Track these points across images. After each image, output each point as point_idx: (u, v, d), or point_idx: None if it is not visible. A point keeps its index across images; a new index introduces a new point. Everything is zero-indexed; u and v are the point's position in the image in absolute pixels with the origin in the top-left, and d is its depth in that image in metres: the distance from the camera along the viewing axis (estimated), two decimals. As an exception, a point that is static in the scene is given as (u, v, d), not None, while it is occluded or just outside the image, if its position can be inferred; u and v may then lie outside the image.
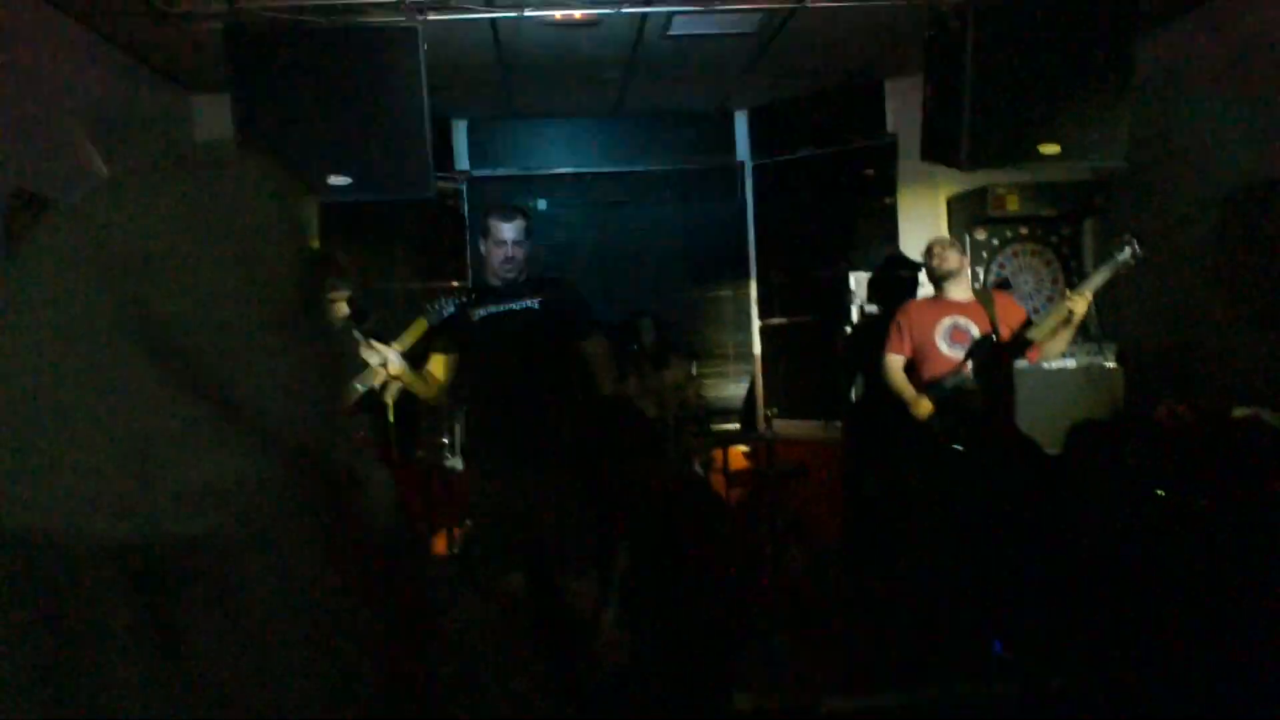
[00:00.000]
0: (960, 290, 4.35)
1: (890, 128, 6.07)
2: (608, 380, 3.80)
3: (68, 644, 0.60)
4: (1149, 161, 4.67)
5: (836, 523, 5.62)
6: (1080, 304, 4.04)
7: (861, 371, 5.32)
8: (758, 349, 6.64)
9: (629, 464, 4.36)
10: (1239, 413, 3.72)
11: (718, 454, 5.47)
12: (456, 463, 5.09)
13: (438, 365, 3.82)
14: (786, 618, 4.55)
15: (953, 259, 4.35)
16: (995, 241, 5.62)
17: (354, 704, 0.67)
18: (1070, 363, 5.09)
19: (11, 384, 0.64)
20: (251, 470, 0.65)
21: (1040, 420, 4.90)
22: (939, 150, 4.14)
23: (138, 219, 0.71)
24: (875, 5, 4.24)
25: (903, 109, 5.93)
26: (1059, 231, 5.64)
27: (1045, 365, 5.07)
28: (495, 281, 3.75)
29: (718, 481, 5.62)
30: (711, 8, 4.34)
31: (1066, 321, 4.13)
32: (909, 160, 5.88)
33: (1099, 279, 4.12)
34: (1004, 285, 5.62)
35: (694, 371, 5.03)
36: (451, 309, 3.86)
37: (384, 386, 3.90)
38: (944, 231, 5.94)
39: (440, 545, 5.41)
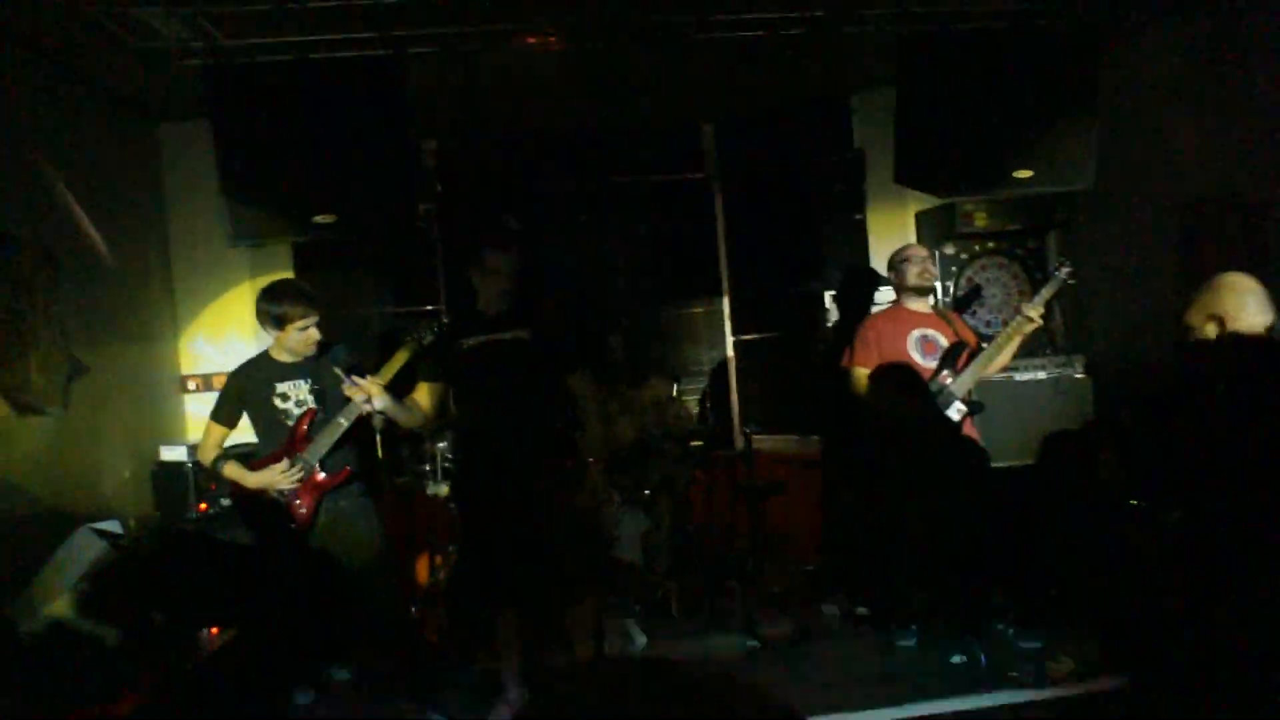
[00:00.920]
0: (924, 303, 4.43)
1: (857, 143, 6.17)
2: (593, 415, 3.82)
3: None
4: (1110, 175, 4.80)
5: (815, 538, 5.69)
6: (1035, 316, 4.20)
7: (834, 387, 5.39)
8: (732, 364, 6.70)
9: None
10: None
11: (698, 472, 5.51)
12: (439, 489, 5.09)
13: (423, 394, 3.82)
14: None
15: (934, 272, 4.41)
16: (964, 256, 5.73)
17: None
18: (1040, 374, 5.22)
19: None
20: None
21: (1011, 431, 5.01)
22: (914, 175, 4.23)
23: None
24: (840, 22, 4.29)
25: (869, 124, 6.03)
26: (1024, 244, 5.77)
27: (1016, 377, 5.19)
28: (486, 310, 3.74)
29: (696, 498, 5.66)
30: (684, 31, 4.37)
31: (1018, 333, 4.28)
32: (877, 175, 5.98)
33: (1047, 293, 4.33)
34: (976, 292, 5.73)
35: (675, 392, 5.06)
36: (431, 337, 3.88)
37: (369, 416, 3.90)
38: (913, 246, 6.05)
39: (422, 571, 5.41)
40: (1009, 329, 4.34)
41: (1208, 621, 3.38)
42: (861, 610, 4.77)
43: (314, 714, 4.23)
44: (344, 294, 6.04)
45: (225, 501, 4.22)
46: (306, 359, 3.82)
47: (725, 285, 6.74)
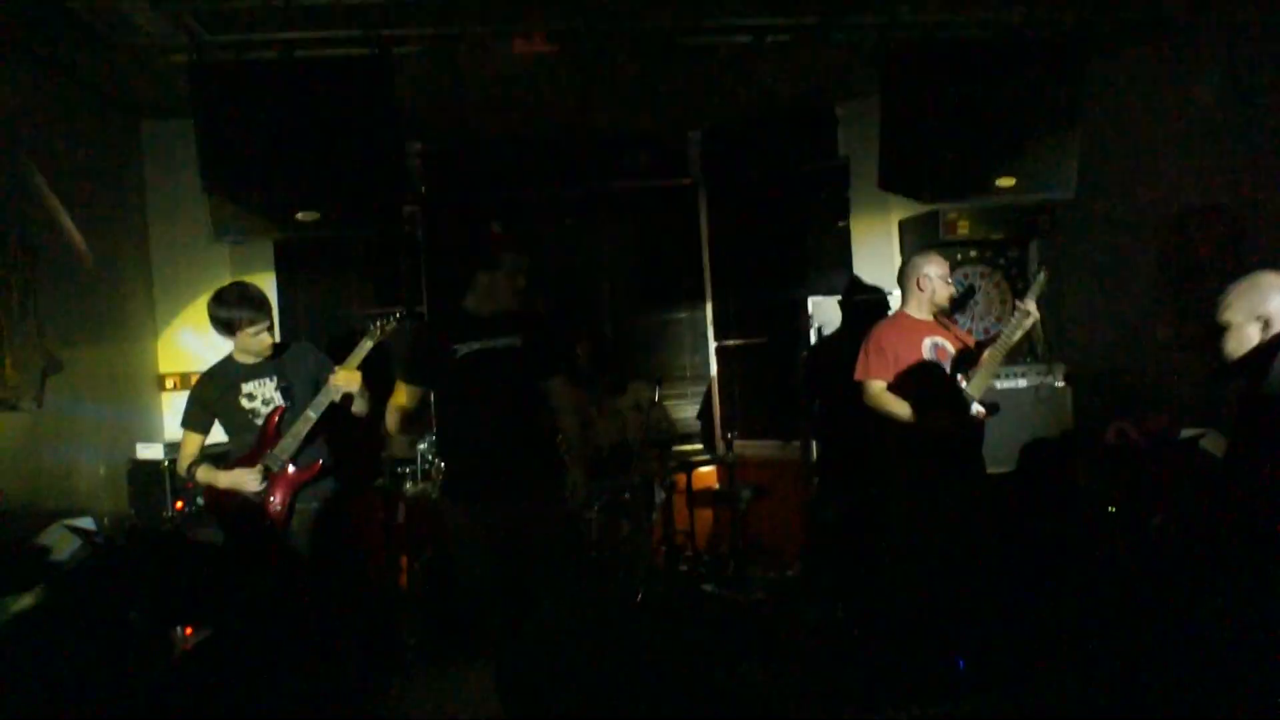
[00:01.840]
0: (926, 312, 4.42)
1: (842, 151, 6.20)
2: (571, 419, 3.81)
3: None
4: (1091, 186, 4.84)
5: (797, 543, 5.70)
6: (1034, 309, 4.16)
7: (820, 394, 5.41)
8: (714, 370, 6.71)
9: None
10: (1187, 433, 3.87)
11: (680, 477, 5.52)
12: (418, 489, 5.07)
13: (401, 395, 3.79)
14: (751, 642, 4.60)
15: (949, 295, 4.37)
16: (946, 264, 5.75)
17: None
18: (1021, 382, 5.24)
19: None
20: None
21: (991, 439, 5.03)
22: (898, 182, 4.25)
23: None
24: (827, 30, 4.30)
25: (854, 133, 6.07)
26: (1006, 254, 5.81)
27: (997, 385, 5.21)
28: (479, 312, 3.70)
29: (680, 503, 5.67)
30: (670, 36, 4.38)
31: (1019, 327, 4.24)
32: (861, 183, 6.01)
33: (1037, 290, 4.30)
34: (970, 292, 5.73)
35: (656, 396, 5.06)
36: (393, 326, 3.90)
37: (345, 405, 3.87)
38: (896, 254, 6.07)
39: (401, 575, 5.38)
40: (1012, 325, 4.29)
41: (1190, 628, 3.40)
42: (842, 615, 4.78)
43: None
44: (326, 294, 6.02)
45: (202, 500, 4.19)
46: (270, 357, 3.82)
47: (708, 291, 6.76)
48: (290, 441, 3.75)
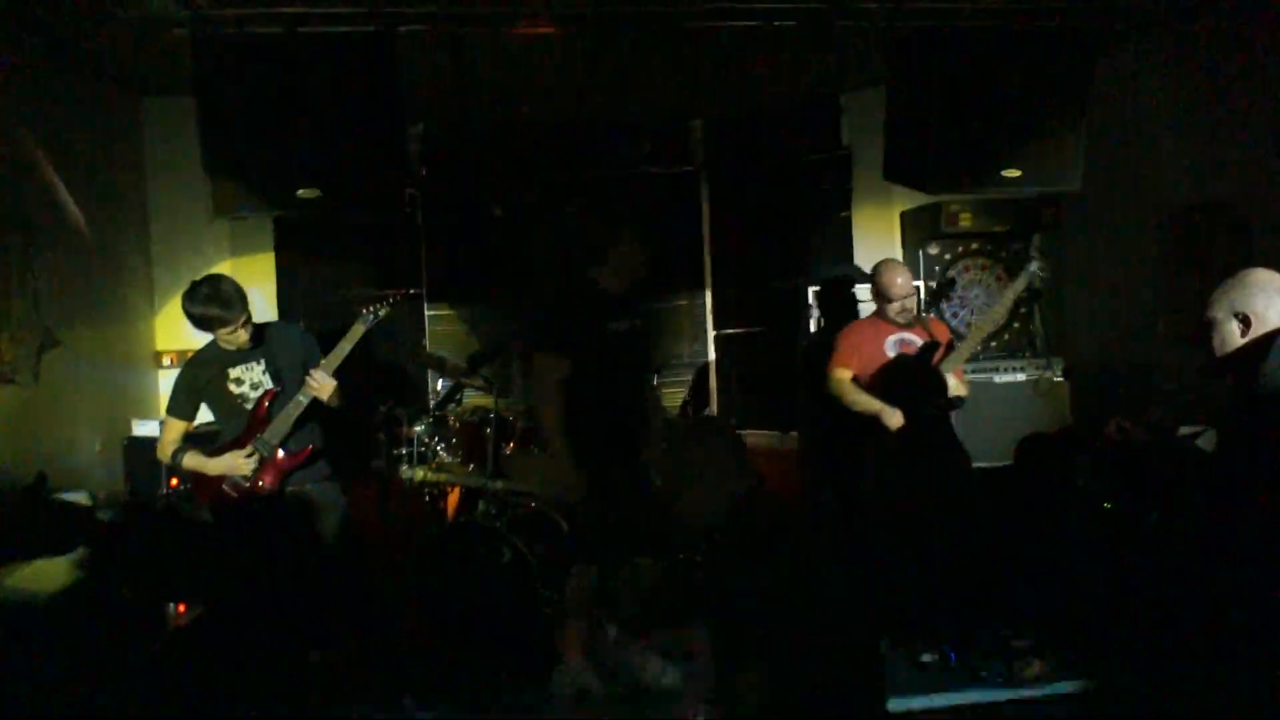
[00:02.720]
0: (903, 316, 4.44)
1: (845, 141, 6.18)
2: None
3: None
4: (1095, 181, 4.82)
5: (793, 531, 5.69)
6: (1001, 311, 4.28)
7: (807, 385, 5.40)
8: (712, 358, 6.70)
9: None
10: (1184, 431, 3.86)
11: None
12: (414, 473, 5.05)
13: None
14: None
15: (913, 310, 4.39)
16: (947, 256, 5.74)
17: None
18: (1019, 376, 5.24)
19: None
20: None
21: (989, 432, 5.03)
22: (902, 172, 4.23)
23: None
24: (832, 17, 4.28)
25: (858, 123, 6.05)
26: (1009, 247, 5.79)
27: (995, 379, 5.21)
28: (611, 292, 3.82)
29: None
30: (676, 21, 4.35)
31: (981, 329, 4.30)
32: (864, 174, 5.99)
33: (1020, 285, 4.28)
34: (950, 285, 5.73)
35: (655, 382, 5.04)
36: (386, 311, 3.87)
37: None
38: (898, 246, 6.06)
39: (394, 557, 5.37)
40: (976, 324, 4.37)
41: (1182, 622, 3.40)
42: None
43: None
44: (325, 273, 5.99)
45: (189, 485, 4.17)
46: (256, 342, 3.77)
47: (709, 279, 6.74)
48: (281, 425, 3.72)
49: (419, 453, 5.09)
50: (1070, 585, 4.61)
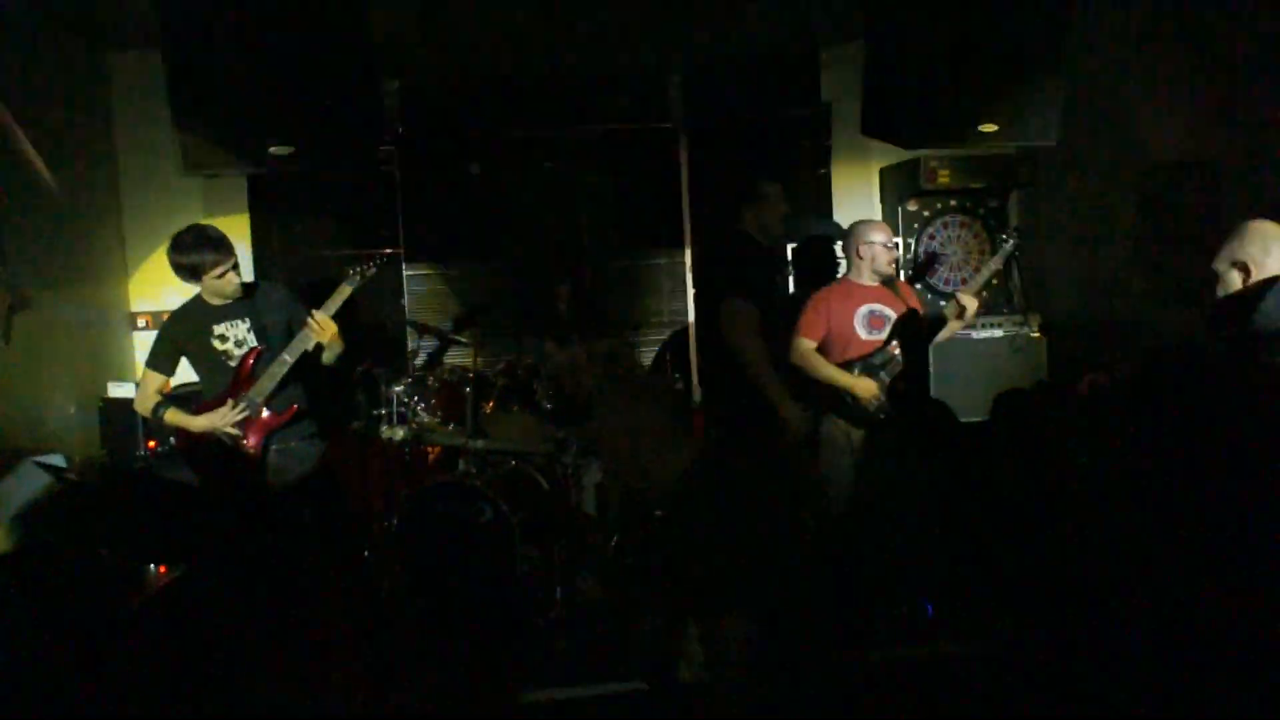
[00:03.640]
0: (866, 278, 4.45)
1: (825, 97, 6.14)
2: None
3: None
4: (1072, 137, 4.82)
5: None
6: (971, 303, 4.29)
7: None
8: (691, 317, 6.69)
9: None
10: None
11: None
12: (394, 433, 5.05)
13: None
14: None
15: (891, 264, 4.42)
16: (926, 213, 5.75)
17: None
18: (997, 332, 5.27)
19: None
20: None
21: (966, 388, 5.07)
22: (880, 126, 4.21)
23: None
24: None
25: (837, 79, 6.01)
26: (986, 204, 5.81)
27: (973, 335, 5.24)
28: (763, 239, 4.30)
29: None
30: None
31: (959, 317, 4.35)
32: (842, 131, 5.97)
33: (990, 269, 4.46)
34: (932, 259, 5.76)
35: (631, 340, 5.05)
36: (373, 272, 3.87)
37: (316, 353, 3.84)
38: (877, 203, 6.06)
39: (376, 517, 5.39)
40: (945, 309, 4.41)
41: (1156, 577, 3.45)
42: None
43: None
44: (300, 232, 5.93)
45: (175, 440, 4.15)
46: (241, 299, 3.76)
47: (688, 237, 6.71)
48: (266, 383, 3.72)
49: (398, 412, 5.09)
50: (1041, 541, 4.69)
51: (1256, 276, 2.57)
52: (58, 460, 3.65)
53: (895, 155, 5.67)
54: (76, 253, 4.72)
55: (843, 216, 5.98)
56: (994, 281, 5.64)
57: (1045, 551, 4.74)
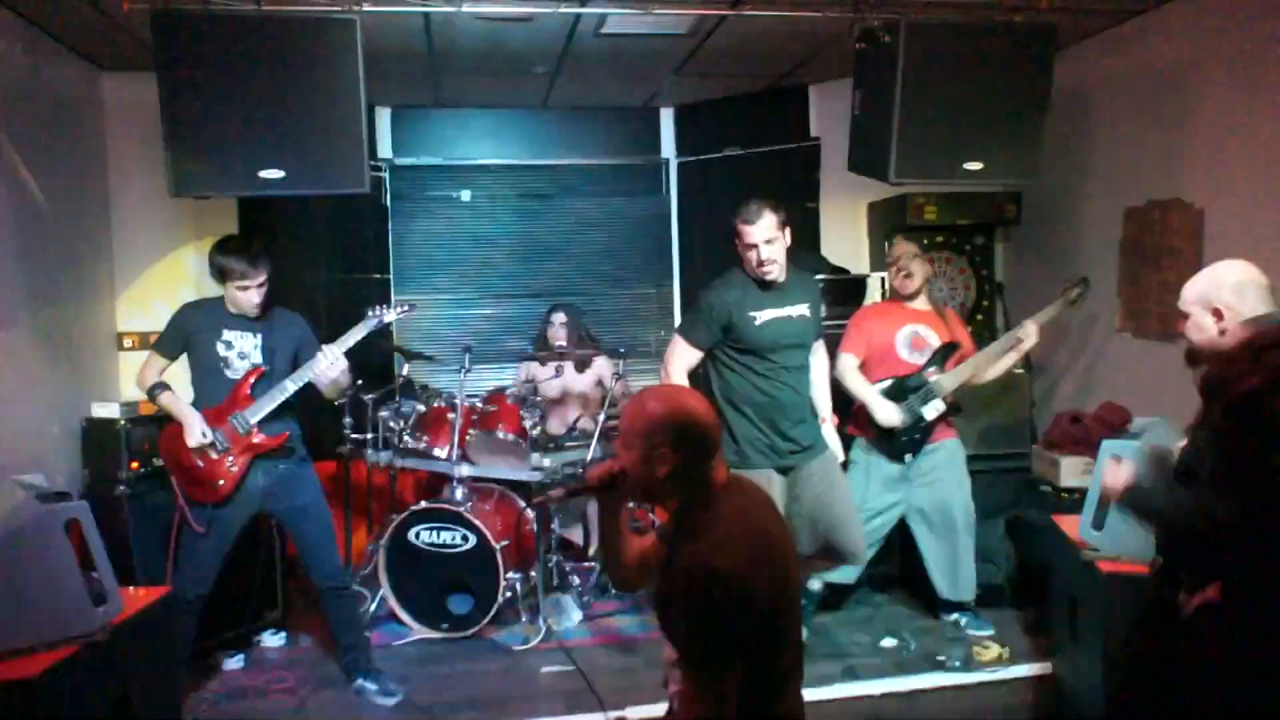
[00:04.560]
0: (921, 300, 4.49)
1: (814, 132, 6.21)
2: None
3: None
4: (1057, 176, 4.89)
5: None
6: (1033, 333, 4.33)
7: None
8: (680, 347, 6.71)
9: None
10: (1139, 421, 3.93)
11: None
12: (379, 457, 5.04)
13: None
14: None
15: (915, 280, 4.44)
16: (913, 248, 5.79)
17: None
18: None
19: None
20: None
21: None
22: (866, 163, 4.27)
23: None
24: (802, 14, 4.30)
25: (827, 114, 6.08)
26: (972, 240, 5.86)
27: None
28: (761, 278, 3.82)
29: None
30: (647, 10, 4.34)
31: (1014, 348, 4.39)
32: (831, 165, 6.02)
33: (1051, 313, 4.48)
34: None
35: (620, 369, 5.06)
36: (393, 317, 3.95)
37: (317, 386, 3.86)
38: (864, 237, 6.11)
39: (360, 539, 5.36)
40: (1003, 341, 4.45)
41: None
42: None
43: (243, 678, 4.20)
44: (289, 256, 5.93)
45: (159, 461, 4.14)
46: (258, 318, 3.80)
47: (677, 268, 6.76)
48: (263, 405, 3.73)
49: (384, 437, 5.08)
50: (1028, 572, 4.70)
51: (1230, 320, 2.58)
52: (39, 479, 3.62)
53: (883, 190, 5.70)
54: (64, 271, 4.71)
55: (830, 250, 6.03)
56: (985, 302, 5.70)
57: (1026, 582, 4.75)
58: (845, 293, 5.38)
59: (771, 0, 4.20)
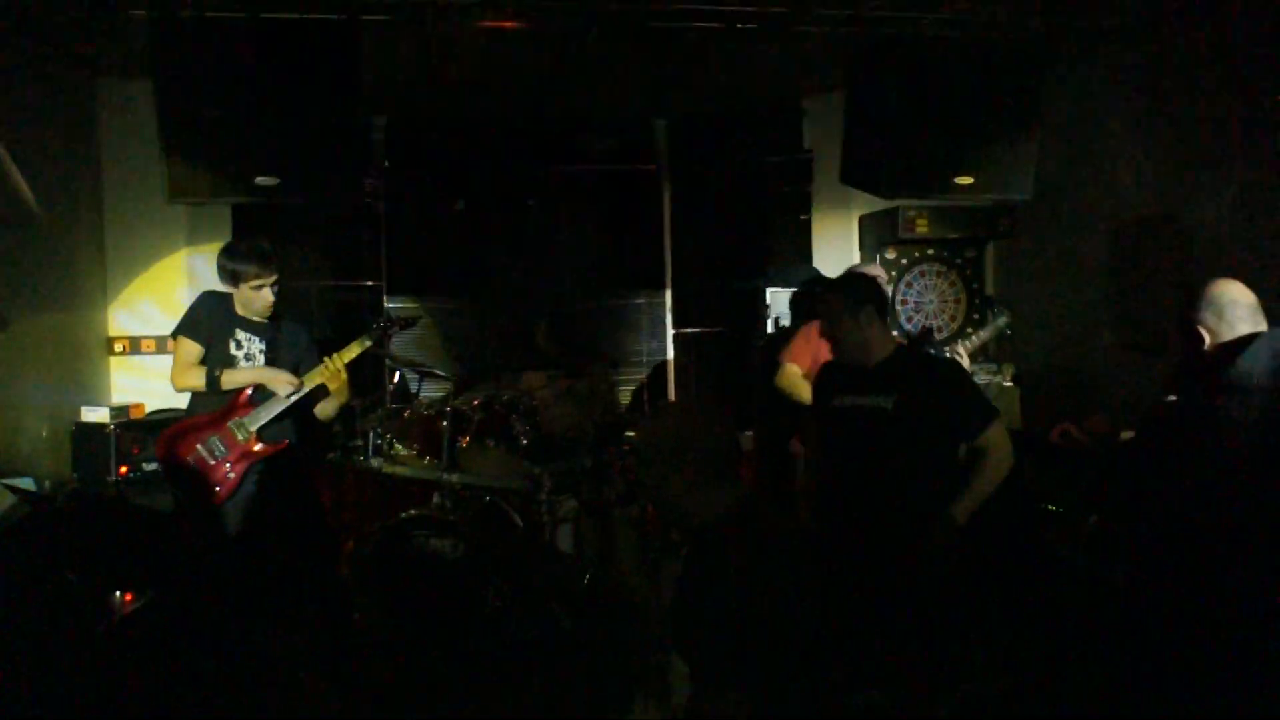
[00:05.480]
0: None
1: (807, 145, 6.25)
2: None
3: None
4: (1047, 191, 4.92)
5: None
6: (964, 357, 4.32)
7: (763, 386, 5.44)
8: (671, 357, 6.73)
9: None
10: (1128, 435, 3.95)
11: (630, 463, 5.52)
12: (370, 465, 5.03)
13: None
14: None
15: None
16: (904, 261, 5.83)
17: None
18: (970, 380, 5.32)
19: None
20: None
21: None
22: (859, 176, 4.30)
23: None
24: (794, 21, 4.33)
25: (819, 127, 6.12)
26: (964, 254, 5.89)
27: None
28: (852, 362, 3.25)
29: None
30: (644, 22, 4.37)
31: None
32: (824, 178, 6.06)
33: (986, 335, 4.52)
34: (928, 334, 5.76)
35: (611, 378, 5.07)
36: (395, 333, 3.97)
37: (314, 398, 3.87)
38: (856, 249, 6.14)
39: (349, 545, 5.35)
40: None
41: (1123, 625, 3.47)
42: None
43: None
44: (283, 264, 5.92)
45: (148, 466, 4.13)
46: (266, 322, 3.79)
47: (669, 278, 6.77)
48: (263, 413, 3.73)
49: (375, 444, 5.08)
50: (1012, 588, 4.71)
51: (1212, 340, 2.61)
52: (26, 483, 3.62)
53: (875, 204, 5.76)
54: (57, 276, 4.71)
55: (822, 262, 6.05)
56: (975, 315, 5.74)
57: (1017, 596, 4.76)
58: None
59: (766, 14, 4.22)
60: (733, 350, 6.33)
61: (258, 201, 3.73)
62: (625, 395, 6.50)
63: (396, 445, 4.91)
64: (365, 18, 3.83)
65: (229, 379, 3.66)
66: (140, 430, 4.31)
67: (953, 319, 5.86)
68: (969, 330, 5.65)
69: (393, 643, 4.56)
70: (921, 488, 3.13)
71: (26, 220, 4.33)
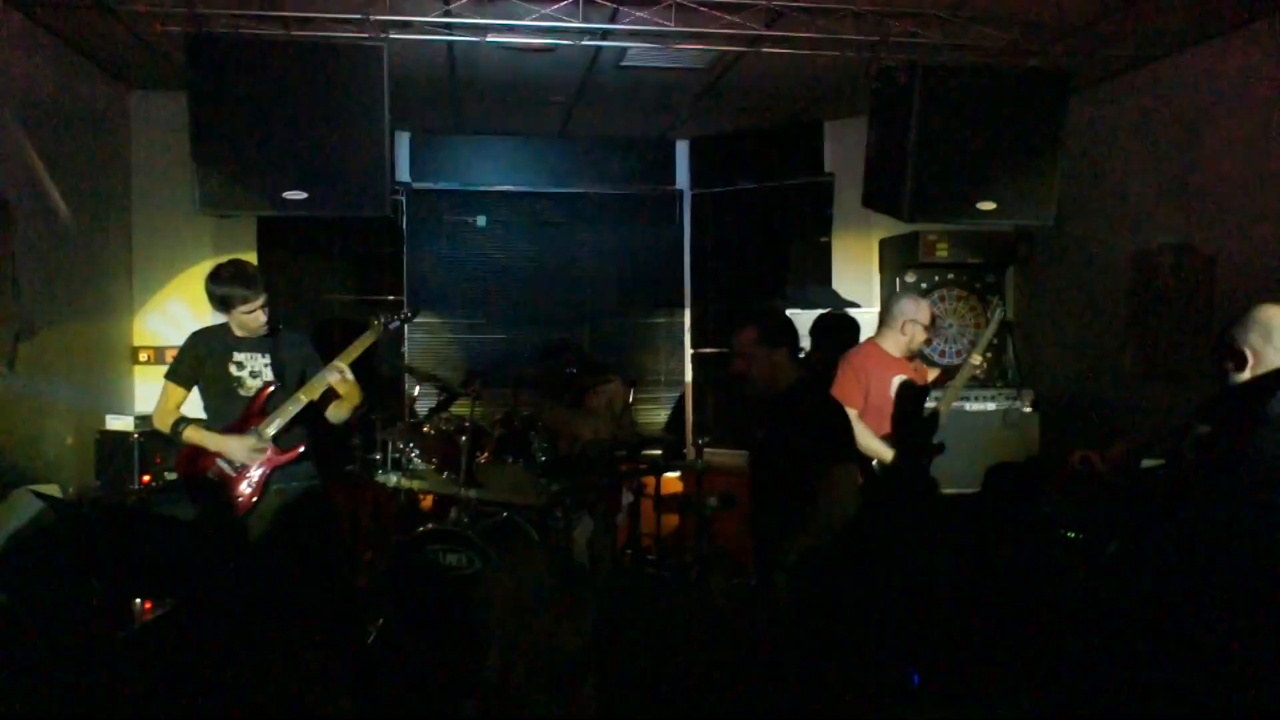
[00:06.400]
0: (898, 350, 4.49)
1: (828, 168, 6.27)
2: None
3: None
4: (1068, 218, 4.92)
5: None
6: (978, 359, 4.43)
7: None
8: (689, 376, 6.75)
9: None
10: (1148, 464, 3.93)
11: (648, 481, 5.53)
12: (388, 479, 5.05)
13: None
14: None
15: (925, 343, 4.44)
16: (924, 285, 5.84)
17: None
18: (990, 405, 5.32)
19: None
20: None
21: (958, 460, 5.09)
22: (881, 199, 4.31)
23: None
24: (820, 53, 4.37)
25: (841, 150, 6.14)
26: (983, 278, 5.89)
27: (966, 407, 5.29)
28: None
29: (647, 508, 5.68)
30: (667, 45, 4.41)
31: (964, 377, 4.46)
32: (844, 200, 6.08)
33: (989, 334, 4.54)
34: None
35: (630, 398, 5.08)
36: (397, 323, 3.95)
37: (324, 400, 3.89)
38: (876, 272, 6.15)
39: (367, 555, 5.37)
40: (959, 375, 4.47)
41: (1142, 654, 3.44)
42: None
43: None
44: (306, 275, 6.00)
45: (170, 475, 4.17)
46: (265, 336, 3.83)
47: (688, 298, 6.80)
48: (277, 420, 3.76)
49: (393, 459, 5.10)
50: (1029, 612, 4.67)
51: (1256, 365, 2.59)
52: (53, 490, 3.66)
53: (895, 227, 5.76)
54: (84, 285, 4.77)
55: (842, 284, 6.06)
56: (994, 340, 5.71)
57: (1033, 624, 4.73)
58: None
59: (790, 38, 4.25)
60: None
61: (283, 214, 3.76)
62: (642, 413, 6.52)
63: (415, 460, 4.94)
64: (394, 36, 3.88)
65: (190, 435, 3.72)
66: (164, 439, 4.35)
67: (972, 343, 5.84)
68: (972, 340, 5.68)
69: (409, 655, 4.57)
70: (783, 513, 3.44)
71: (58, 230, 4.40)
